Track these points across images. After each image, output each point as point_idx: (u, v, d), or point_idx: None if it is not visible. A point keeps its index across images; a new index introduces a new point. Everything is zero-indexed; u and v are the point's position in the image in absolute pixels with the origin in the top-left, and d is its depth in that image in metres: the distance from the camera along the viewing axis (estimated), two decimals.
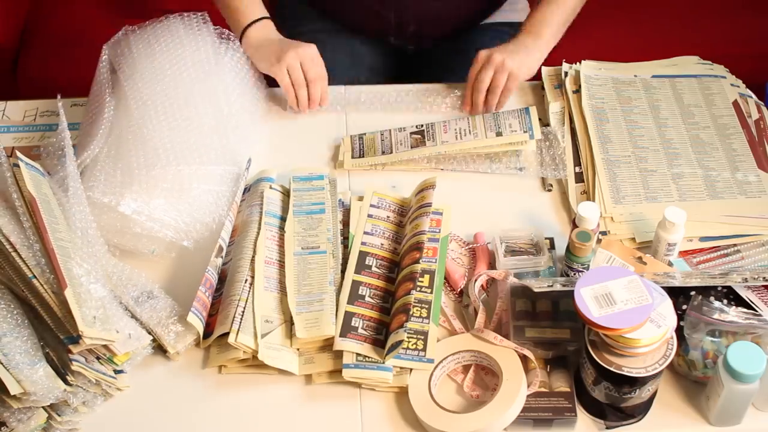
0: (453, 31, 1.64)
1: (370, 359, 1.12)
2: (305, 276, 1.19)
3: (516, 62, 1.42)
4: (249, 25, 1.45)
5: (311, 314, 1.15)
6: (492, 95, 1.44)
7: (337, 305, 1.17)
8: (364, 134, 1.44)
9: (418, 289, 1.18)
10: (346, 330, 1.14)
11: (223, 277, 1.22)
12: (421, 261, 1.18)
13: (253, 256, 1.20)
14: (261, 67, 1.46)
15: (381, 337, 1.14)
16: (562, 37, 1.49)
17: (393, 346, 1.11)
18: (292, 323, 1.15)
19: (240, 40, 1.46)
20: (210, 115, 1.34)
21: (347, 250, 1.25)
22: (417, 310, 1.16)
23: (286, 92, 1.45)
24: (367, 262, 1.22)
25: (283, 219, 1.28)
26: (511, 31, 1.56)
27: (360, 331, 1.14)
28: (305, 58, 1.42)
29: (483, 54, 1.44)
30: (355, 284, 1.20)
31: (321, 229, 1.25)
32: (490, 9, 1.66)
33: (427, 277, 1.21)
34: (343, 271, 1.22)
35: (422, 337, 1.15)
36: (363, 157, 1.40)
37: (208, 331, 1.16)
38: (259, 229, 1.24)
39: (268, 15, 1.48)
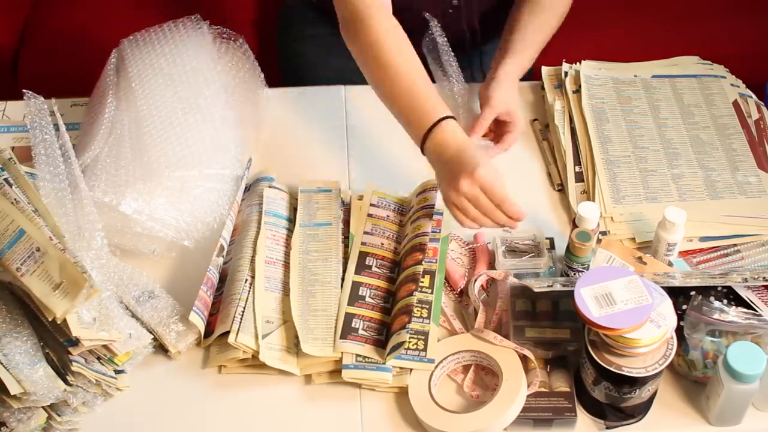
0: (462, 47, 1.63)
1: (369, 360, 1.12)
2: (312, 293, 1.19)
3: (522, 119, 1.35)
4: (429, 131, 1.18)
5: (319, 330, 1.15)
6: (498, 149, 1.34)
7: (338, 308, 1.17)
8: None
9: (419, 289, 1.18)
10: (347, 332, 1.14)
11: (223, 277, 1.22)
12: (423, 262, 1.18)
13: (253, 256, 1.20)
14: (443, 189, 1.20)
15: (382, 337, 1.14)
16: (562, 37, 1.49)
17: (395, 347, 1.11)
18: (294, 329, 1.15)
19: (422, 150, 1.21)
20: (210, 119, 1.34)
21: (348, 249, 1.25)
22: (417, 310, 1.16)
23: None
24: (367, 263, 1.22)
25: (285, 219, 1.28)
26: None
27: (360, 332, 1.14)
28: (469, 193, 1.13)
29: (521, 123, 1.33)
30: (356, 285, 1.20)
31: (330, 245, 1.25)
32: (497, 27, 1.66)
33: (427, 277, 1.21)
34: (343, 272, 1.22)
35: (423, 337, 1.15)
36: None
37: (209, 330, 1.16)
38: (259, 228, 1.24)
39: (450, 114, 1.19)
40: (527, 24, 1.41)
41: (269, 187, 1.31)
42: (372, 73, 1.25)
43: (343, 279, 1.21)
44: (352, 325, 1.15)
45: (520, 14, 1.42)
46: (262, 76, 1.48)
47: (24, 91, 1.35)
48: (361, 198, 1.32)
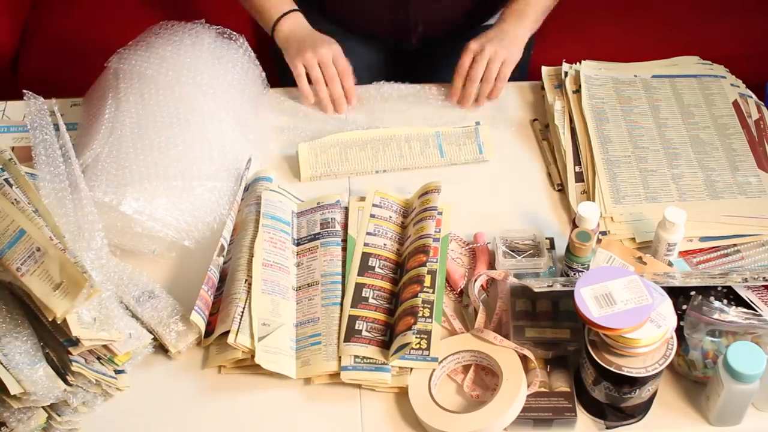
0: (456, 31, 1.64)
1: (368, 360, 1.12)
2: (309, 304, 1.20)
3: (505, 48, 1.44)
4: (278, 20, 1.48)
5: (313, 347, 1.15)
6: (486, 83, 1.46)
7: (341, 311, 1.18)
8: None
9: (423, 290, 1.18)
10: (350, 334, 1.14)
11: (223, 276, 1.22)
12: (426, 264, 1.18)
13: (250, 258, 1.20)
14: (287, 60, 1.48)
15: (385, 338, 1.14)
16: (562, 37, 1.49)
17: (400, 348, 1.11)
18: (290, 332, 1.15)
19: (272, 36, 1.49)
20: (210, 119, 1.34)
21: (345, 253, 1.25)
22: (420, 310, 1.16)
23: (300, 89, 1.47)
24: (370, 264, 1.22)
25: (284, 222, 1.27)
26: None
27: (364, 333, 1.14)
28: (323, 58, 1.44)
29: (474, 45, 1.45)
30: (359, 287, 1.19)
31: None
32: (493, 9, 1.66)
33: (429, 276, 1.21)
34: (344, 275, 1.22)
35: (426, 337, 1.15)
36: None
37: (209, 329, 1.16)
38: (256, 230, 1.24)
39: (296, 8, 1.50)
40: None
41: (269, 189, 1.30)
42: None
43: (344, 282, 1.21)
44: (356, 328, 1.15)
45: None
46: (263, 75, 1.49)
47: (24, 91, 1.35)
48: (361, 200, 1.32)
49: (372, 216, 1.28)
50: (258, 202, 1.28)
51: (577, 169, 1.39)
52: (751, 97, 1.50)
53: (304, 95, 1.48)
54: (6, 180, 1.17)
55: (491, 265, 1.25)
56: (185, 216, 1.26)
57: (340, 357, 1.13)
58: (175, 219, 1.25)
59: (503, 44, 1.45)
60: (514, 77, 1.55)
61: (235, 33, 1.45)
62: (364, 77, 1.53)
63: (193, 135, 1.31)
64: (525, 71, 1.75)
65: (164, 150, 1.28)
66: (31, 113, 1.32)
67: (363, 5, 1.60)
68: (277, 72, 1.60)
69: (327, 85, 1.46)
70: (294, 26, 1.49)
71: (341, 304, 1.18)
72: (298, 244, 1.26)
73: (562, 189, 1.37)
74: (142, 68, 1.36)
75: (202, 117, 1.34)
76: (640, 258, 1.21)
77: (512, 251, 1.25)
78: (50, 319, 1.04)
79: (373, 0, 1.57)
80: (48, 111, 1.33)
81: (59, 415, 1.07)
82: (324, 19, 1.62)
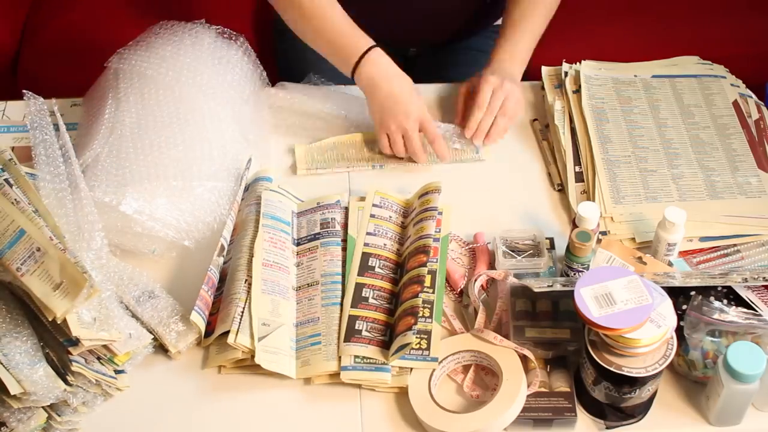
0: (457, 36, 1.64)
1: (368, 360, 1.12)
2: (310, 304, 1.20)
3: (519, 89, 1.42)
4: (358, 62, 1.36)
5: (313, 347, 1.15)
6: (503, 119, 1.41)
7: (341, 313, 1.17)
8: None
9: (423, 290, 1.18)
10: (350, 334, 1.14)
11: (223, 276, 1.22)
12: (427, 264, 1.18)
13: (250, 258, 1.20)
14: (372, 118, 1.40)
15: (385, 338, 1.14)
16: (562, 37, 1.49)
17: (400, 348, 1.11)
18: (290, 332, 1.15)
19: (352, 78, 1.38)
20: (211, 119, 1.34)
21: (345, 253, 1.25)
22: (420, 310, 1.16)
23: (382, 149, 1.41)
24: (370, 263, 1.22)
25: (284, 222, 1.27)
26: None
27: (364, 333, 1.14)
28: (408, 132, 1.36)
29: (494, 79, 1.40)
30: (359, 287, 1.19)
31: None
32: (493, 15, 1.66)
33: (429, 277, 1.21)
34: (344, 275, 1.22)
35: (426, 337, 1.15)
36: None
37: (209, 329, 1.16)
38: (256, 230, 1.24)
39: (374, 44, 1.37)
40: (512, 17, 1.48)
41: (269, 189, 1.30)
42: (296, 21, 1.42)
43: (344, 282, 1.21)
44: (356, 327, 1.15)
45: (509, 9, 1.49)
46: (264, 74, 1.48)
47: (24, 91, 1.35)
48: (361, 199, 1.32)
49: (372, 216, 1.28)
50: (258, 202, 1.28)
51: (577, 169, 1.39)
52: (751, 97, 1.50)
53: (386, 152, 1.41)
54: (6, 180, 1.17)
55: (491, 265, 1.25)
56: (185, 216, 1.26)
57: (340, 357, 1.13)
58: (175, 219, 1.25)
59: (515, 82, 1.42)
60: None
61: (234, 33, 1.45)
62: None
63: (193, 135, 1.31)
64: (525, 71, 1.75)
65: (164, 150, 1.28)
66: (31, 113, 1.32)
67: (365, 10, 1.60)
68: (277, 72, 1.60)
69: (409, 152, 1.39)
70: (374, 72, 1.36)
71: (341, 304, 1.18)
72: (298, 244, 1.26)
73: (562, 189, 1.37)
74: (142, 68, 1.36)
75: (202, 117, 1.34)
76: (640, 258, 1.21)
77: (512, 251, 1.25)
78: (50, 319, 1.04)
79: (375, 5, 1.58)
80: (48, 111, 1.33)
81: (59, 415, 1.07)
82: None
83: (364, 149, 1.42)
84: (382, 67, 1.36)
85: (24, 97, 1.35)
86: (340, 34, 1.38)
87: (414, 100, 1.36)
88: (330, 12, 1.39)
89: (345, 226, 1.28)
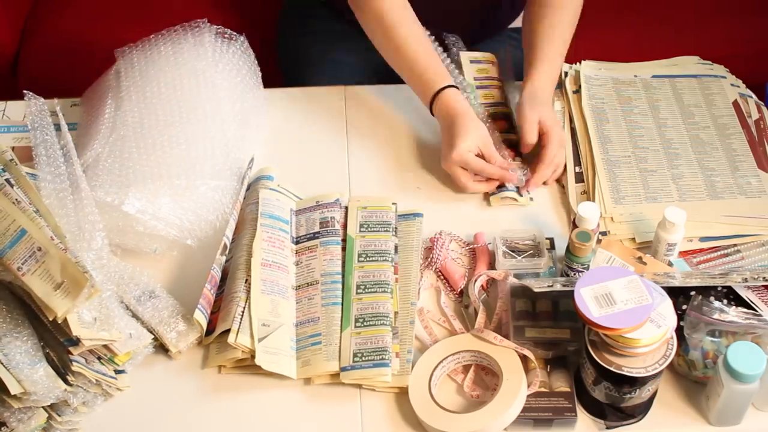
0: (469, 36, 1.64)
1: (366, 358, 1.12)
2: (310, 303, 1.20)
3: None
4: (433, 99, 1.37)
5: (314, 347, 1.15)
6: (557, 174, 1.38)
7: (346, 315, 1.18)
8: None
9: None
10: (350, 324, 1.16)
11: (224, 275, 1.22)
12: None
13: (249, 257, 1.20)
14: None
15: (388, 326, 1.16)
16: None
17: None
18: (290, 332, 1.15)
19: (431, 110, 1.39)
20: (212, 118, 1.34)
21: (345, 252, 1.25)
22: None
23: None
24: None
25: (283, 221, 1.27)
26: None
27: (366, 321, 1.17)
28: (466, 162, 1.32)
29: (558, 131, 1.36)
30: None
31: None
32: (506, 16, 1.66)
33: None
34: (344, 275, 1.22)
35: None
36: None
37: (210, 328, 1.16)
38: (255, 229, 1.24)
39: (450, 83, 1.37)
40: (539, 34, 1.43)
41: (267, 188, 1.30)
42: (380, 44, 1.42)
43: (344, 282, 1.21)
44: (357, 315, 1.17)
45: (532, 24, 1.44)
46: (259, 74, 1.48)
47: (24, 92, 1.35)
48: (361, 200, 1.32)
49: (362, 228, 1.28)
50: (256, 202, 1.28)
51: (577, 169, 1.39)
52: (751, 97, 1.50)
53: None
54: (7, 180, 1.17)
55: (491, 266, 1.25)
56: (188, 215, 1.26)
57: (340, 357, 1.13)
58: (178, 218, 1.25)
59: (545, 110, 1.38)
60: (514, 77, 1.55)
61: (234, 33, 1.45)
62: (367, 75, 1.53)
63: (196, 134, 1.31)
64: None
65: (167, 149, 1.28)
66: (32, 113, 1.32)
67: None
68: (279, 72, 1.60)
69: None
70: (444, 110, 1.36)
71: (342, 304, 1.18)
72: (296, 243, 1.26)
73: (562, 186, 1.37)
74: (145, 67, 1.36)
75: (204, 116, 1.34)
76: (640, 258, 1.21)
77: (512, 251, 1.25)
78: (51, 319, 1.04)
79: None
80: (48, 111, 1.33)
81: (59, 415, 1.07)
82: (340, 21, 1.62)
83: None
84: (450, 104, 1.35)
85: (25, 98, 1.35)
86: (420, 69, 1.39)
87: (458, 143, 1.31)
88: (415, 43, 1.39)
89: (344, 226, 1.28)
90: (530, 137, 1.35)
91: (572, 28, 1.46)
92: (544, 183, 1.37)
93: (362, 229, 1.27)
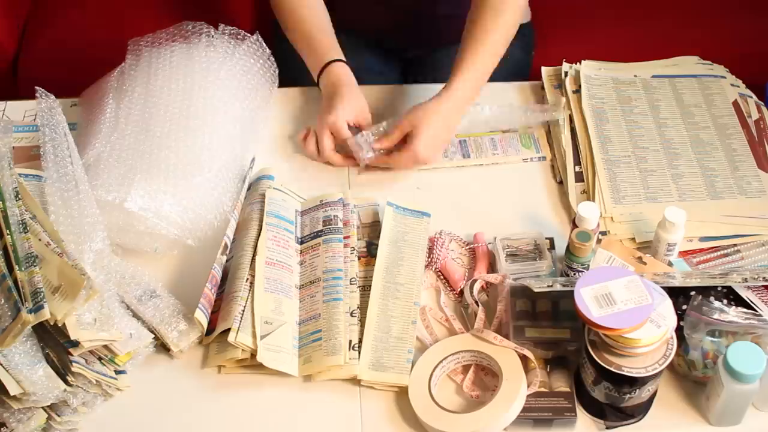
0: (452, 36, 1.64)
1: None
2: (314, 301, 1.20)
3: (434, 154, 1.37)
4: (321, 71, 1.43)
5: (319, 342, 1.15)
6: (390, 165, 1.40)
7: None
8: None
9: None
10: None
11: (224, 275, 1.22)
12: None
13: (253, 256, 1.20)
14: None
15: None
16: (562, 37, 1.48)
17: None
18: (292, 330, 1.16)
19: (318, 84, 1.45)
20: (215, 117, 1.35)
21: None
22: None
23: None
24: None
25: (288, 221, 1.28)
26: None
27: None
28: (338, 131, 1.37)
29: (423, 153, 1.34)
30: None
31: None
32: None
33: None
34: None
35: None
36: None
37: (210, 327, 1.16)
38: (259, 228, 1.24)
39: (340, 58, 1.44)
40: (469, 38, 1.39)
41: (272, 188, 1.30)
42: (281, 17, 1.51)
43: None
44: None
45: (467, 25, 1.42)
46: (276, 72, 1.48)
47: (36, 88, 1.35)
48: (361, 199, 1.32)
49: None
50: (261, 201, 1.28)
51: (577, 169, 1.39)
52: (751, 97, 1.50)
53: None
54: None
55: (491, 265, 1.25)
56: (189, 214, 1.26)
57: (343, 354, 1.13)
58: (179, 217, 1.25)
59: (437, 143, 1.36)
60: (514, 77, 1.55)
61: (244, 32, 1.45)
62: (369, 82, 1.54)
63: (198, 132, 1.31)
64: (525, 71, 1.75)
65: (170, 148, 1.28)
66: (42, 110, 1.32)
67: (368, 10, 1.60)
68: (277, 72, 1.60)
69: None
70: (329, 80, 1.42)
71: (341, 300, 1.18)
72: (301, 243, 1.26)
73: (561, 182, 1.37)
74: (149, 67, 1.36)
75: (205, 114, 1.34)
76: (640, 258, 1.21)
77: (514, 255, 1.25)
78: (51, 324, 1.04)
79: (378, 5, 1.58)
80: (59, 110, 1.32)
81: (59, 416, 1.07)
82: (332, 23, 1.63)
83: None
84: (336, 76, 1.42)
85: (36, 95, 1.34)
86: (317, 40, 1.46)
87: (338, 107, 1.37)
88: (312, 17, 1.47)
89: (347, 223, 1.28)
90: (390, 140, 1.36)
91: (507, 33, 1.41)
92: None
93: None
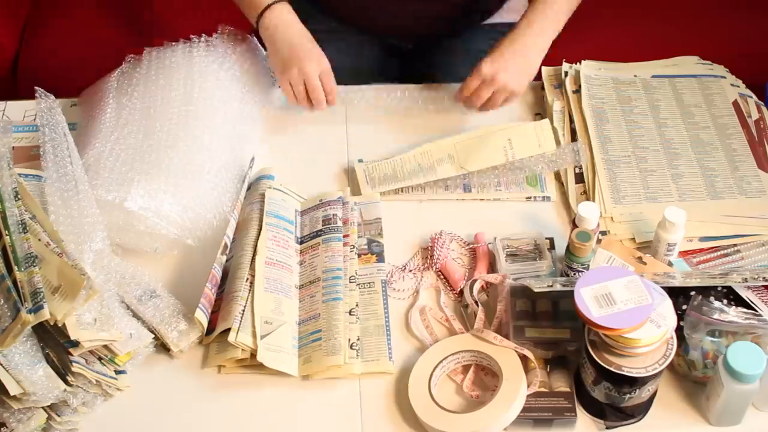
0: (453, 30, 1.64)
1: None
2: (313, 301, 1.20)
3: (517, 80, 1.38)
4: (263, 12, 1.39)
5: (318, 342, 1.15)
6: (484, 109, 1.43)
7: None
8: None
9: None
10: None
11: (224, 274, 1.22)
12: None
13: (253, 256, 1.20)
14: (272, 67, 1.44)
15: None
16: (562, 37, 1.48)
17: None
18: (292, 330, 1.16)
19: (257, 26, 1.41)
20: (215, 117, 1.35)
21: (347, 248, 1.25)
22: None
23: (289, 101, 1.43)
24: None
25: (287, 221, 1.28)
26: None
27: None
28: (310, 78, 1.38)
29: (487, 69, 1.36)
30: None
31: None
32: (490, 9, 1.66)
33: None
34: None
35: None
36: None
37: (210, 327, 1.16)
38: (259, 228, 1.24)
39: None
40: None
41: (272, 188, 1.30)
42: None
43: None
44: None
45: None
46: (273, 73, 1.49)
47: (36, 88, 1.35)
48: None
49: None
50: (261, 201, 1.28)
51: (577, 169, 1.38)
52: (751, 97, 1.50)
53: (290, 102, 1.44)
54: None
55: (491, 265, 1.25)
56: (188, 213, 1.26)
57: (342, 354, 1.13)
58: (179, 216, 1.25)
59: (516, 73, 1.37)
60: None
61: (242, 33, 1.45)
62: (360, 75, 1.54)
63: (197, 132, 1.31)
64: None
65: (170, 148, 1.28)
66: (42, 110, 1.32)
67: (358, 3, 1.59)
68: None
69: (311, 100, 1.41)
70: (279, 23, 1.39)
71: (341, 299, 1.18)
72: (301, 243, 1.26)
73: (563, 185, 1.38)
74: (149, 68, 1.36)
75: (206, 114, 1.34)
76: (640, 258, 1.21)
77: (514, 255, 1.25)
78: (51, 324, 1.04)
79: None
80: (59, 110, 1.32)
81: (59, 416, 1.07)
82: (321, 13, 1.62)
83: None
84: (284, 18, 1.39)
85: (36, 95, 1.34)
86: None
87: (314, 49, 1.39)
88: None
89: (347, 221, 1.28)
90: (465, 91, 1.40)
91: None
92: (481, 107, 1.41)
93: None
